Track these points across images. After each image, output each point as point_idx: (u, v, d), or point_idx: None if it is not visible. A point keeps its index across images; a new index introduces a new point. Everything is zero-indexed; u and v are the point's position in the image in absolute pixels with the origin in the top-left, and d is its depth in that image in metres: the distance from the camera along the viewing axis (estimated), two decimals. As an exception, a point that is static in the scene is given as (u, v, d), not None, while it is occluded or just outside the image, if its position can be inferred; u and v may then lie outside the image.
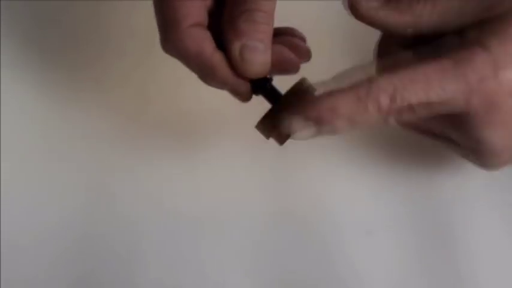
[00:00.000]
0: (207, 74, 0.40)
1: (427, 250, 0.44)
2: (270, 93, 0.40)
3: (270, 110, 0.40)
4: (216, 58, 0.39)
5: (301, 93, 0.39)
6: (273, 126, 0.39)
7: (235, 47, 0.38)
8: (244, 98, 0.42)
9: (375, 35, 0.50)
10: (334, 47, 0.50)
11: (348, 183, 0.46)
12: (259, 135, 0.48)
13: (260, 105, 0.47)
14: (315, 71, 0.49)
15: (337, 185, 0.46)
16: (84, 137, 0.48)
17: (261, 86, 0.40)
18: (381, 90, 0.35)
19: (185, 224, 0.45)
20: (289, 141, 0.46)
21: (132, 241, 0.45)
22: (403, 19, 0.37)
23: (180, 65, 0.40)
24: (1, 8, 0.52)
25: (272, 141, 0.47)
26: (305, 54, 0.42)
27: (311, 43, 0.50)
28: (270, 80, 0.40)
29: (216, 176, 0.47)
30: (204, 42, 0.39)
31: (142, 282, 0.44)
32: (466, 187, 0.46)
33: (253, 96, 0.42)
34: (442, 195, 0.46)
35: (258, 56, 0.38)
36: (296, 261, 0.44)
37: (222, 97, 0.48)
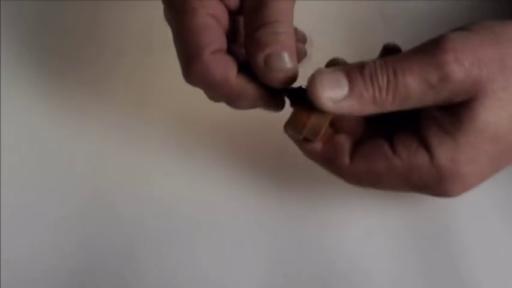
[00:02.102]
0: (236, 99, 0.40)
1: (427, 251, 0.44)
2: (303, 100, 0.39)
3: (299, 107, 0.39)
4: (241, 81, 0.38)
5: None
6: (306, 119, 0.38)
7: (260, 58, 0.37)
8: (277, 109, 0.41)
9: (375, 35, 0.50)
10: (334, 47, 0.50)
11: (347, 184, 0.46)
12: (259, 135, 0.48)
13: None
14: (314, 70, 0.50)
15: (337, 185, 0.46)
16: (84, 137, 0.48)
17: (298, 95, 0.39)
18: None
19: (185, 224, 0.45)
20: (289, 142, 0.46)
21: (132, 241, 0.45)
22: (366, 108, 0.37)
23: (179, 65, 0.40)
24: (1, 8, 0.52)
25: (272, 142, 0.48)
26: (302, 57, 0.42)
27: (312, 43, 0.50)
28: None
29: (215, 176, 0.47)
30: (228, 68, 0.38)
31: (142, 282, 0.44)
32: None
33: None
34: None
35: (283, 63, 0.37)
36: (295, 262, 0.44)
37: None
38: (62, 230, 0.45)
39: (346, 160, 0.39)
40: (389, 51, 0.42)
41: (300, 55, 0.42)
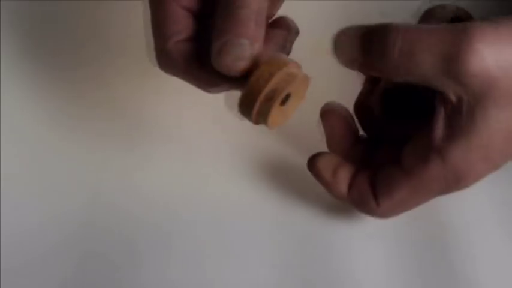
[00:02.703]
0: (203, 87, 0.40)
1: (427, 252, 0.44)
2: None
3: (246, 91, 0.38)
4: (207, 70, 0.38)
5: None
6: (253, 100, 0.37)
7: (216, 45, 0.37)
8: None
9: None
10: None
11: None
12: (259, 135, 0.48)
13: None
14: (315, 71, 0.50)
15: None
16: (84, 136, 0.48)
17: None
18: None
19: (185, 224, 0.45)
20: (290, 141, 0.46)
21: (131, 241, 0.45)
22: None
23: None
24: (1, 8, 0.52)
25: (273, 142, 0.48)
26: (285, 49, 0.41)
27: (311, 43, 0.50)
28: None
29: (215, 176, 0.47)
30: (192, 58, 0.38)
31: (142, 282, 0.44)
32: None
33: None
34: (441, 197, 0.46)
35: (238, 50, 0.36)
36: (295, 263, 0.44)
37: (222, 98, 0.48)
38: (61, 230, 0.45)
39: (373, 205, 0.41)
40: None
41: (283, 47, 0.40)
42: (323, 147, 0.46)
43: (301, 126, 0.47)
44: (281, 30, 0.40)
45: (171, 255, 0.44)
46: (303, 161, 0.46)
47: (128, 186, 0.46)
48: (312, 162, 0.43)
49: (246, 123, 0.44)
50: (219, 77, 0.38)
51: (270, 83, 0.37)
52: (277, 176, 0.47)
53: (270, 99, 0.37)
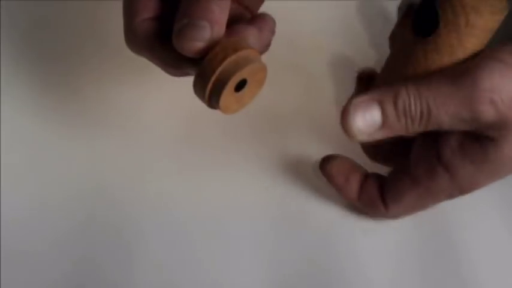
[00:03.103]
0: (163, 67, 0.40)
1: (427, 250, 0.44)
2: None
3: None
4: (167, 49, 0.39)
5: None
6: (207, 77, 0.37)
7: (177, 26, 0.37)
8: None
9: (375, 34, 0.50)
10: (333, 46, 0.50)
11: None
12: (259, 134, 0.48)
13: (263, 104, 0.47)
14: (315, 70, 0.50)
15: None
16: (84, 136, 0.48)
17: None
18: None
19: (184, 224, 0.45)
20: (289, 141, 0.46)
21: (131, 241, 0.45)
22: (395, 134, 0.39)
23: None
24: (1, 8, 0.52)
25: (272, 142, 0.48)
26: (262, 46, 0.41)
27: (311, 42, 0.50)
28: None
29: (215, 176, 0.47)
30: (154, 36, 0.39)
31: (142, 282, 0.44)
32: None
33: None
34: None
35: (197, 32, 0.37)
36: (294, 261, 0.44)
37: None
38: (60, 231, 0.45)
39: (382, 208, 0.42)
40: (367, 76, 0.43)
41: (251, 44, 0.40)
42: (325, 147, 0.46)
43: (300, 124, 0.48)
44: (253, 27, 0.40)
45: (170, 254, 0.44)
46: (303, 160, 0.47)
47: (127, 186, 0.46)
48: (325, 166, 0.44)
49: (247, 123, 0.44)
50: (180, 58, 0.38)
51: (224, 64, 0.37)
52: (277, 175, 0.47)
53: (222, 81, 0.37)
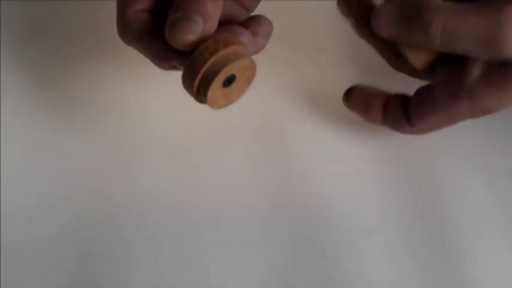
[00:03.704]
0: (152, 59, 0.41)
1: (426, 251, 0.44)
2: None
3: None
4: (157, 41, 0.39)
5: None
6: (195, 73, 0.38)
7: (170, 18, 0.38)
8: None
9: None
10: (333, 46, 0.50)
11: (347, 185, 0.46)
12: (258, 135, 0.48)
13: (262, 104, 0.47)
14: (314, 70, 0.50)
15: (337, 185, 0.46)
16: (84, 136, 0.48)
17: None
18: None
19: (184, 224, 0.45)
20: (289, 141, 0.46)
21: (130, 241, 0.45)
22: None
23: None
24: (1, 8, 0.52)
25: (272, 142, 0.48)
26: (257, 46, 0.42)
27: (311, 42, 0.50)
28: None
29: (214, 176, 0.47)
30: (145, 27, 0.40)
31: (141, 281, 0.44)
32: (466, 187, 0.46)
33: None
34: (441, 196, 0.46)
35: (190, 25, 0.38)
36: (294, 262, 0.44)
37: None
38: (59, 232, 0.45)
39: (407, 127, 0.44)
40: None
41: (254, 45, 0.41)
42: (325, 147, 0.46)
43: (300, 124, 0.48)
44: (246, 30, 0.40)
45: (170, 254, 0.44)
46: (303, 160, 0.47)
47: (127, 186, 0.46)
48: (347, 95, 0.46)
49: (246, 123, 0.44)
50: (169, 50, 0.39)
51: (214, 56, 0.37)
52: (277, 175, 0.47)
53: (211, 73, 0.38)
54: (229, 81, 0.39)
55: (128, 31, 0.40)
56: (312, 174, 0.46)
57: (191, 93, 0.39)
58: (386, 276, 0.43)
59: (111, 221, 0.45)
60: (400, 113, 0.44)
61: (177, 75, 0.43)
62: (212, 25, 0.39)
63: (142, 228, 0.45)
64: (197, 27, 0.38)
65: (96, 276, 0.43)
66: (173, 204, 0.46)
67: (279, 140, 0.48)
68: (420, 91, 0.43)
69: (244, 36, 0.40)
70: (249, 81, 0.40)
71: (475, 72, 0.40)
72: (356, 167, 0.46)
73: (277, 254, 0.44)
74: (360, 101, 0.45)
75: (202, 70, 0.38)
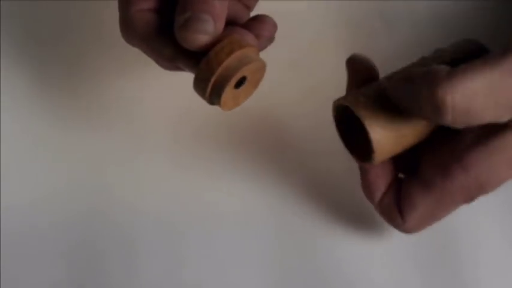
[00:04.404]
0: (156, 59, 0.41)
1: (427, 254, 0.44)
2: None
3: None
4: (162, 40, 0.39)
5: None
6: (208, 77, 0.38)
7: (180, 19, 0.38)
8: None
9: (375, 35, 0.50)
10: (333, 47, 0.50)
11: (347, 179, 0.46)
12: (259, 138, 0.48)
13: (262, 104, 0.47)
14: (315, 70, 0.50)
15: (337, 188, 0.46)
16: (84, 136, 0.48)
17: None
18: None
19: (183, 224, 0.45)
20: (289, 141, 0.46)
21: (130, 241, 0.45)
22: None
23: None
24: (1, 8, 0.52)
25: (271, 143, 0.48)
26: (262, 44, 0.42)
27: (311, 42, 0.50)
28: None
29: (214, 176, 0.47)
30: (150, 26, 0.39)
31: (142, 281, 0.44)
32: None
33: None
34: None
35: (201, 25, 0.37)
36: (294, 264, 0.44)
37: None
38: (59, 232, 0.45)
39: (400, 221, 0.40)
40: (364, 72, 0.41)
41: (260, 42, 0.41)
42: (323, 152, 0.46)
43: (300, 124, 0.48)
44: (250, 33, 0.40)
45: (170, 254, 0.44)
46: (303, 161, 0.47)
47: (126, 185, 0.46)
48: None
49: (246, 123, 0.44)
50: (176, 51, 0.39)
51: (230, 58, 0.37)
52: (277, 176, 0.47)
53: (227, 74, 0.38)
54: (239, 83, 0.39)
55: (131, 31, 0.40)
56: (312, 174, 0.46)
57: (203, 93, 0.39)
58: (387, 280, 0.43)
59: (112, 219, 0.45)
60: (393, 204, 0.40)
61: (179, 75, 0.43)
62: (221, 25, 0.38)
63: (145, 227, 0.45)
64: (209, 27, 0.37)
65: (98, 274, 0.43)
66: (175, 204, 0.46)
67: (278, 140, 0.48)
68: (408, 178, 0.40)
69: (247, 38, 0.40)
70: (256, 84, 0.40)
71: (466, 139, 0.38)
72: (356, 165, 0.46)
73: (278, 256, 0.44)
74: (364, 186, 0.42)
75: (219, 70, 0.38)
